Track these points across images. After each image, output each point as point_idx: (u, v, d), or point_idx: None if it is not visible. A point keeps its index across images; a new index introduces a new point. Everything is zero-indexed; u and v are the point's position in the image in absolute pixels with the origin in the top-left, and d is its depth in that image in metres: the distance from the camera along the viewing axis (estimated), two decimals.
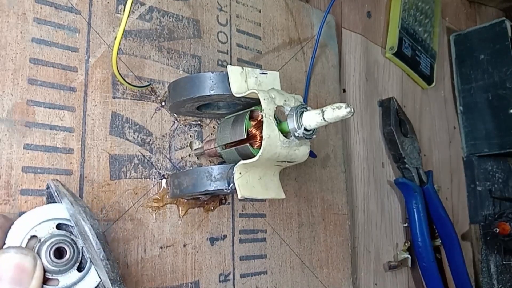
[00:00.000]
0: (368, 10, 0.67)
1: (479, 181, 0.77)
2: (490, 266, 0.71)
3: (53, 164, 0.33)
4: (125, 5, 0.33)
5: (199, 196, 0.40)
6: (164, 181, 0.39)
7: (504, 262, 0.72)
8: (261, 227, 0.45)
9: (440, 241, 0.66)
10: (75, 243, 0.29)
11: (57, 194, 0.30)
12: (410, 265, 0.63)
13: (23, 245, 0.27)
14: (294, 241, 0.48)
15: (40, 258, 0.27)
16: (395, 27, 0.68)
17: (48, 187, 0.31)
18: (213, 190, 0.34)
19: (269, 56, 0.50)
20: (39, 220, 0.28)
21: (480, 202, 0.76)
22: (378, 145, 0.64)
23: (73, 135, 0.34)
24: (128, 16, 0.33)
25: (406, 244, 0.63)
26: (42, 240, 0.28)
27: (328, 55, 0.57)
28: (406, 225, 0.64)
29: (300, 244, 0.49)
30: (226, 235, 0.42)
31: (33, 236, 0.28)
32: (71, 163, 0.34)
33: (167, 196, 0.38)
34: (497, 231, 0.67)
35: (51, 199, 0.30)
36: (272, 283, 0.45)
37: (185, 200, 0.39)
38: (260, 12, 0.50)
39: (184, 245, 0.39)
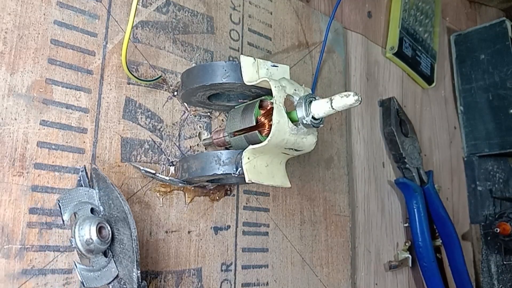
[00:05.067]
0: (368, 10, 0.68)
1: (479, 181, 0.78)
2: (491, 266, 0.71)
3: (67, 142, 0.34)
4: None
5: (206, 184, 0.41)
6: (172, 167, 0.40)
7: (505, 262, 0.72)
8: (264, 221, 0.46)
9: (440, 241, 0.67)
10: (110, 225, 0.31)
11: (94, 178, 0.32)
12: (410, 265, 0.63)
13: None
14: (295, 238, 0.49)
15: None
16: (395, 27, 0.69)
17: (83, 170, 0.33)
18: (221, 174, 0.35)
19: (278, 56, 0.51)
20: (81, 200, 0.32)
21: (480, 202, 0.76)
22: (379, 145, 0.65)
23: (87, 116, 0.35)
24: (135, 16, 0.34)
25: (407, 244, 0.63)
26: (80, 219, 0.31)
27: (335, 60, 0.59)
28: (406, 225, 0.65)
29: (302, 241, 0.49)
30: (229, 226, 0.43)
31: (75, 213, 0.31)
32: (84, 142, 0.35)
33: None
34: (498, 231, 0.67)
35: (83, 183, 0.33)
36: (272, 277, 0.45)
37: (192, 188, 0.40)
38: (271, 14, 0.52)
39: (189, 232, 0.40)
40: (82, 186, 0.33)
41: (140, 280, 0.31)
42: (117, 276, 0.31)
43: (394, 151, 0.64)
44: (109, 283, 0.31)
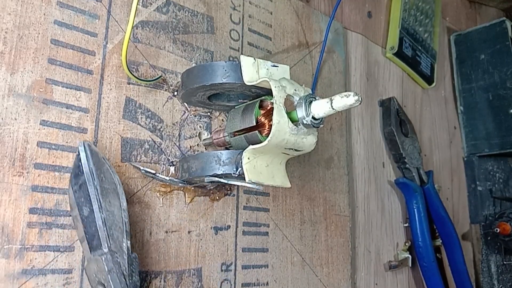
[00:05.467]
0: (368, 10, 0.68)
1: (479, 181, 0.78)
2: (491, 266, 0.71)
3: (67, 142, 0.34)
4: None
5: (206, 184, 0.41)
6: (172, 167, 0.40)
7: (505, 262, 0.72)
8: (264, 221, 0.46)
9: (440, 241, 0.67)
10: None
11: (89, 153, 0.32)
12: (410, 265, 0.63)
13: None
14: (295, 238, 0.49)
15: None
16: (395, 27, 0.69)
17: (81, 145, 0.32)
18: (221, 174, 0.35)
19: (279, 56, 0.51)
20: None
21: (480, 202, 0.76)
22: (379, 145, 0.65)
23: (87, 116, 0.35)
24: (135, 16, 0.34)
25: (407, 244, 0.63)
26: None
27: (335, 60, 0.59)
28: (406, 225, 0.65)
29: (302, 241, 0.49)
30: (229, 226, 0.43)
31: None
32: None
33: None
34: (498, 231, 0.67)
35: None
36: (272, 277, 0.45)
37: (192, 188, 0.40)
38: (271, 14, 0.52)
39: (189, 232, 0.40)
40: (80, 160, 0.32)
41: (130, 251, 0.31)
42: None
43: (394, 151, 0.64)
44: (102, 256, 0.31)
